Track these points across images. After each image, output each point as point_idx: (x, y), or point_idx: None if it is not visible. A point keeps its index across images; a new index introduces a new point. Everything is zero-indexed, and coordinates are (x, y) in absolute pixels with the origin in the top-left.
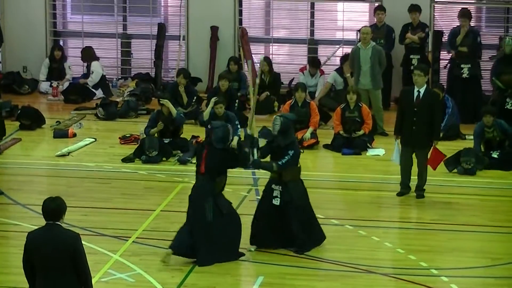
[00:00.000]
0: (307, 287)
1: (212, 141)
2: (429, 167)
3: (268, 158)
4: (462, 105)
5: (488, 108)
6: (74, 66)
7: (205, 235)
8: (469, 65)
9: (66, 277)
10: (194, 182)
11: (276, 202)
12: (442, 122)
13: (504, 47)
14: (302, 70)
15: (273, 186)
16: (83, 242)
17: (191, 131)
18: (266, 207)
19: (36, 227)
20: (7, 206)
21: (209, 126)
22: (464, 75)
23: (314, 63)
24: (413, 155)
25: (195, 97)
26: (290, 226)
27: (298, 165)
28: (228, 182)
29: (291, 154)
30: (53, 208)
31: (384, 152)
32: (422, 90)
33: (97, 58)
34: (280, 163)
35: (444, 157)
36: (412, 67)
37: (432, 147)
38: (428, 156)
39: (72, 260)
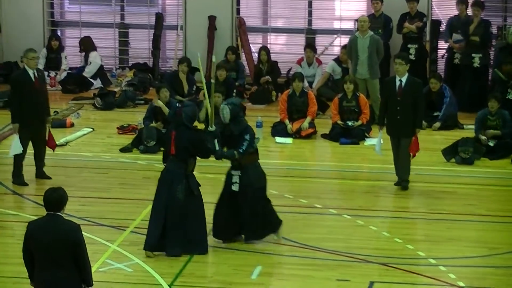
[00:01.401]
0: (304, 277)
1: (183, 121)
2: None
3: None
4: (469, 94)
5: (495, 94)
6: (71, 56)
7: (178, 217)
8: (480, 55)
9: (65, 268)
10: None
11: (235, 187)
12: (440, 112)
13: (507, 37)
14: (299, 62)
15: (232, 172)
16: None
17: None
18: (226, 195)
19: (34, 217)
20: (5, 196)
21: (178, 105)
22: (475, 64)
23: (311, 46)
24: None
25: (194, 86)
26: (243, 210)
27: (255, 148)
28: (226, 171)
29: (248, 139)
30: (55, 199)
31: (382, 141)
32: (404, 79)
33: (95, 48)
34: (240, 150)
35: (418, 149)
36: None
37: (414, 136)
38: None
39: (72, 251)
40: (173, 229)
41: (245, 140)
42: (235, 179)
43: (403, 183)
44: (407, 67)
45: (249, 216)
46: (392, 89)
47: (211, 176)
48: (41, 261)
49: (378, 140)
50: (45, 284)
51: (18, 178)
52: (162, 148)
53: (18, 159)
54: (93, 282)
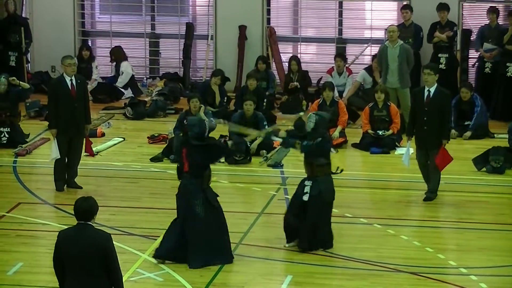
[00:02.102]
0: (336, 286)
1: (189, 139)
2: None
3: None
4: (502, 103)
5: None
6: (102, 66)
7: (199, 232)
8: None
9: (96, 277)
10: (222, 181)
11: (305, 198)
12: (471, 121)
13: None
14: (329, 72)
15: (305, 182)
16: None
17: (219, 130)
18: (295, 202)
19: (64, 227)
20: (36, 205)
21: (185, 122)
22: (509, 74)
23: (341, 56)
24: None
25: (225, 97)
26: (309, 220)
27: (328, 162)
28: (257, 181)
29: (318, 141)
30: (85, 208)
31: (413, 151)
32: (432, 90)
33: (126, 58)
34: (304, 143)
35: (451, 160)
36: (423, 67)
37: (441, 147)
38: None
39: (103, 260)
40: (194, 243)
41: (316, 142)
42: (307, 189)
43: (428, 193)
44: (436, 77)
45: (310, 225)
46: (420, 100)
47: (242, 186)
48: (72, 270)
49: (406, 151)
50: None
51: (58, 182)
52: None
53: (58, 164)
54: None
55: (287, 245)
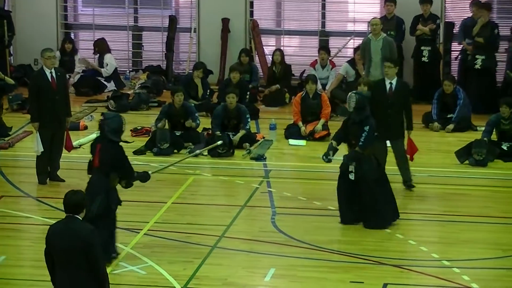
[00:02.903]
0: (318, 279)
1: (106, 134)
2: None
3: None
4: (474, 96)
5: (508, 100)
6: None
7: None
8: (483, 57)
9: (84, 270)
10: (205, 174)
11: (351, 176)
12: (454, 113)
13: None
14: (312, 65)
15: (349, 162)
16: None
17: (202, 123)
18: (343, 183)
19: (48, 220)
20: (19, 199)
21: (101, 117)
22: (477, 66)
23: (325, 48)
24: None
25: (208, 90)
26: (361, 200)
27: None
28: (240, 174)
29: (367, 130)
30: (74, 201)
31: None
32: (394, 82)
33: (109, 51)
34: (360, 144)
35: (417, 150)
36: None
37: (408, 138)
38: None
39: (86, 253)
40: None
41: (364, 131)
42: (351, 168)
43: (406, 184)
44: (396, 70)
45: (367, 205)
46: (383, 92)
47: (225, 179)
48: (60, 263)
49: None
50: (63, 285)
51: (41, 176)
52: (175, 151)
53: (41, 157)
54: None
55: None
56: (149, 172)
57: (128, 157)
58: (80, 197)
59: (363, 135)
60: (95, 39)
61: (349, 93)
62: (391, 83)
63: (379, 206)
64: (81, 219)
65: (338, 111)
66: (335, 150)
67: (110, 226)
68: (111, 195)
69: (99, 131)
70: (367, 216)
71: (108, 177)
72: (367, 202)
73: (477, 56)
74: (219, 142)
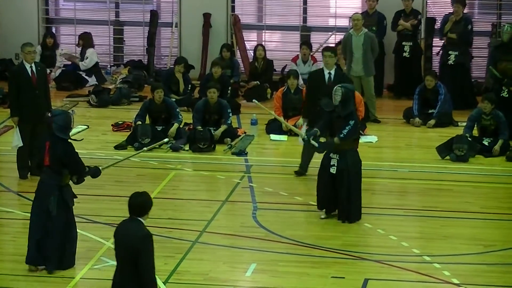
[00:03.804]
0: (300, 274)
1: (53, 131)
2: None
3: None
4: (450, 91)
5: (489, 96)
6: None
7: (52, 229)
8: (457, 52)
9: (130, 271)
10: (186, 169)
11: (333, 170)
12: (435, 109)
13: (502, 35)
14: (294, 60)
15: (331, 155)
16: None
17: (184, 118)
18: (324, 175)
19: (28, 215)
20: (0, 193)
21: (49, 114)
22: (450, 62)
23: (307, 44)
24: None
25: (189, 85)
26: (340, 193)
27: (358, 135)
28: (221, 169)
29: (351, 124)
30: (137, 203)
31: (377, 139)
32: (332, 72)
33: (93, 46)
34: (341, 135)
35: None
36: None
37: None
38: None
39: (135, 257)
40: (48, 243)
41: (349, 125)
42: (333, 162)
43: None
44: (335, 59)
45: (346, 199)
46: (321, 82)
47: (206, 174)
48: (117, 258)
49: (302, 131)
50: (116, 279)
51: (22, 170)
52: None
53: (22, 152)
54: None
55: (323, 216)
56: (100, 167)
57: (109, 152)
58: (144, 199)
59: (347, 128)
60: (81, 32)
61: (335, 86)
62: (330, 73)
63: (355, 200)
64: (143, 221)
65: (322, 103)
66: (316, 136)
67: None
68: (65, 192)
69: (48, 129)
70: (343, 208)
71: (60, 174)
72: (343, 194)
73: (450, 52)
74: (165, 140)
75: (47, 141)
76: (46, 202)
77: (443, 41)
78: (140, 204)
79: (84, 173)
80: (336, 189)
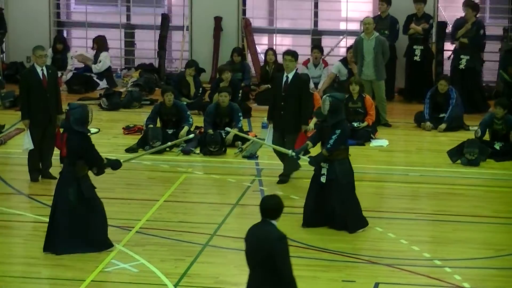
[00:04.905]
0: (310, 278)
1: (70, 124)
2: None
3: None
4: (461, 96)
5: (501, 101)
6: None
7: (68, 220)
8: (468, 57)
9: (267, 274)
10: (197, 172)
11: (323, 179)
12: (446, 113)
13: None
14: (305, 63)
15: (322, 164)
16: None
17: (195, 121)
18: (314, 184)
19: (40, 217)
20: (11, 196)
21: (67, 108)
22: (461, 66)
23: (319, 47)
24: None
25: (200, 88)
26: (331, 204)
27: (347, 145)
28: (232, 172)
29: (337, 133)
30: (269, 206)
31: (387, 143)
32: (290, 76)
33: (107, 49)
34: (328, 145)
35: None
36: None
37: (300, 132)
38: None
39: (271, 259)
40: (63, 230)
41: (335, 134)
42: (323, 171)
43: (281, 176)
44: (296, 63)
45: (337, 209)
46: (279, 85)
47: (217, 177)
48: (250, 264)
49: (268, 134)
50: (248, 285)
51: (33, 173)
52: (167, 149)
53: (33, 155)
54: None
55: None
56: (122, 160)
57: (120, 155)
58: (276, 202)
59: (333, 137)
60: (96, 36)
61: (324, 96)
62: (287, 77)
63: (350, 210)
64: (275, 224)
65: (314, 113)
66: (306, 150)
67: (95, 214)
68: (83, 183)
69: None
70: (335, 220)
71: (74, 166)
72: (335, 205)
73: (461, 56)
74: (191, 136)
75: (64, 133)
76: (66, 193)
77: (454, 45)
78: (273, 207)
79: (103, 165)
80: (325, 200)
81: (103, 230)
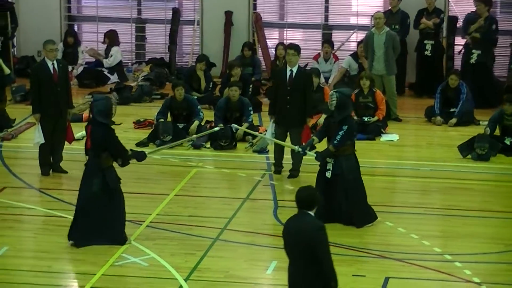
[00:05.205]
0: None
1: (94, 115)
2: None
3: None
4: (472, 90)
5: (510, 97)
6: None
7: (89, 211)
8: (479, 52)
9: (308, 265)
10: (207, 167)
11: (328, 174)
12: (456, 108)
13: None
14: (315, 58)
15: (327, 159)
16: None
17: (205, 116)
18: (320, 179)
19: (50, 211)
20: (22, 190)
21: (91, 99)
22: (472, 61)
23: (329, 42)
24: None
25: (211, 83)
26: (337, 199)
27: (353, 141)
28: (242, 166)
29: (344, 129)
30: (304, 197)
31: (398, 137)
32: (294, 70)
33: (118, 44)
34: (335, 141)
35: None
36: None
37: (305, 126)
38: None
39: (312, 249)
40: (85, 221)
41: (342, 130)
42: (329, 166)
43: (292, 171)
44: (299, 57)
45: (343, 205)
46: (283, 79)
47: (227, 171)
48: (289, 257)
49: (269, 129)
50: (293, 278)
51: (44, 167)
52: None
53: (43, 149)
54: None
55: None
56: (147, 152)
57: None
58: (310, 193)
59: (340, 133)
60: (107, 30)
61: (330, 92)
62: (291, 71)
63: (357, 205)
64: (313, 214)
65: (322, 108)
66: (312, 146)
67: (116, 206)
68: (108, 174)
69: (89, 113)
70: (342, 215)
71: (99, 157)
72: (341, 200)
73: (473, 51)
74: (216, 129)
75: (89, 125)
76: (91, 184)
77: (465, 39)
78: (308, 197)
79: (127, 156)
80: (331, 196)
81: (121, 223)
